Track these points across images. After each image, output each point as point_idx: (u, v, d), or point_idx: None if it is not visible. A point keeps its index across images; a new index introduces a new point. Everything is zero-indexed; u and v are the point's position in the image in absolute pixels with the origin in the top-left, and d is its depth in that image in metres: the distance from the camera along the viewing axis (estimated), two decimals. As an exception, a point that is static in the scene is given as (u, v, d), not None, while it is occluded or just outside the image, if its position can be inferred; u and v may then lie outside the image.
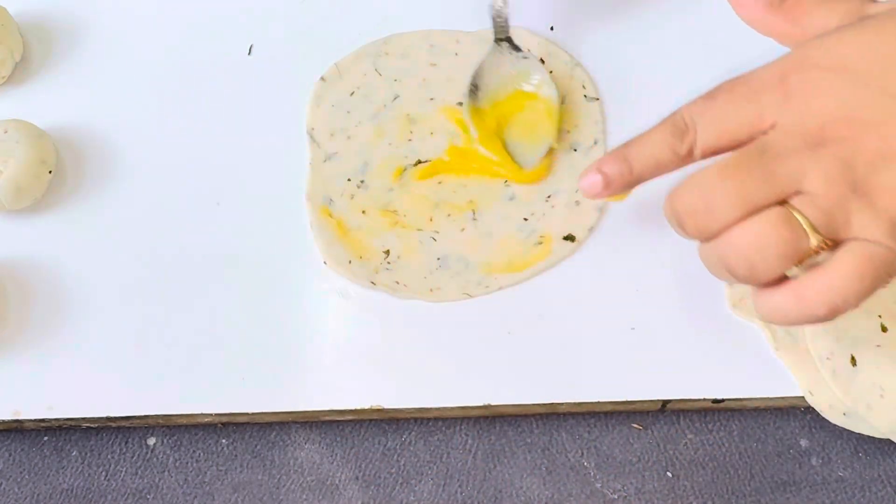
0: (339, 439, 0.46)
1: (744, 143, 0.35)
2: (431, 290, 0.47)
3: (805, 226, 0.33)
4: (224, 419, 0.46)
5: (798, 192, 0.33)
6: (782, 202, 0.33)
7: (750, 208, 0.33)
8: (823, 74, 0.34)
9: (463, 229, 0.48)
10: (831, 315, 0.33)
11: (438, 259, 0.47)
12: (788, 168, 0.33)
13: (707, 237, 0.35)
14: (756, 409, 0.46)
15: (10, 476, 0.46)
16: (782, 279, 0.35)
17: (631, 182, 0.39)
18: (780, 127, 0.34)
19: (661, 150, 0.37)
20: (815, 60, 0.35)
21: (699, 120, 0.36)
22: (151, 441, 0.47)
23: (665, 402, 0.45)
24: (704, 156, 0.37)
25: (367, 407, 0.45)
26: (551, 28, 0.52)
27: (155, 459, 0.46)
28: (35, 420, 0.46)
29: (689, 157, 0.37)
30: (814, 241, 0.33)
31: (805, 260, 0.34)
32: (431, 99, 0.50)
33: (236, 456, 0.46)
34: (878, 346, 0.43)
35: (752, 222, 0.33)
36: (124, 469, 0.46)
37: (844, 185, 0.33)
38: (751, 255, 0.33)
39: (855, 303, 0.33)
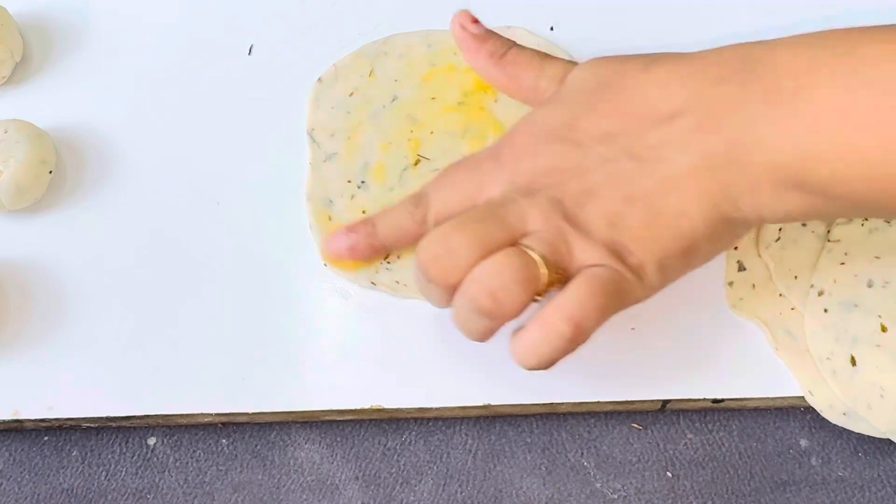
0: (339, 439, 0.46)
1: (468, 208, 0.40)
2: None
3: (535, 256, 0.37)
4: (224, 419, 0.46)
5: (525, 234, 0.38)
6: (514, 244, 0.38)
7: (486, 249, 0.37)
8: (526, 140, 0.40)
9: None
10: (576, 332, 0.36)
11: (438, 259, 0.47)
12: (512, 213, 0.38)
13: (451, 281, 0.38)
14: (756, 409, 0.46)
15: (10, 476, 0.46)
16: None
17: (375, 246, 0.45)
18: (500, 188, 0.40)
19: (401, 217, 0.43)
20: (520, 130, 0.41)
21: (432, 191, 0.42)
22: (151, 441, 0.47)
23: (665, 402, 0.45)
24: (436, 221, 0.42)
25: (367, 407, 0.45)
26: (551, 28, 0.52)
27: (155, 459, 0.46)
28: (35, 420, 0.46)
29: (424, 224, 0.42)
30: (544, 270, 0.37)
31: (542, 293, 0.37)
32: (432, 99, 0.50)
33: (236, 456, 0.46)
34: (878, 346, 0.43)
35: (490, 259, 0.37)
36: (124, 469, 0.46)
37: (560, 218, 0.38)
38: (492, 285, 0.37)
39: (595, 318, 0.37)
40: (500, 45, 0.44)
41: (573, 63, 0.43)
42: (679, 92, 0.38)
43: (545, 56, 0.44)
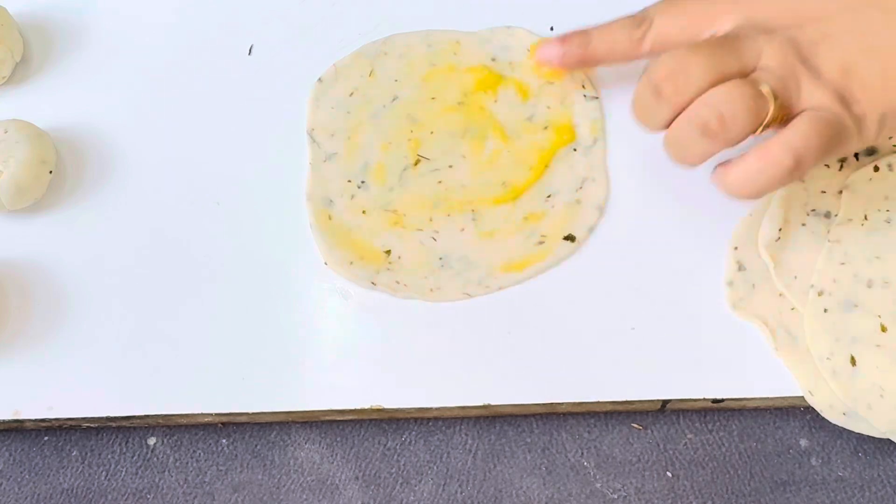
0: (339, 439, 0.46)
1: (693, 38, 0.41)
2: (431, 290, 0.47)
3: (766, 90, 0.38)
4: (224, 419, 0.46)
5: (758, 67, 0.39)
6: (745, 76, 0.39)
7: (720, 75, 0.39)
8: None
9: (463, 229, 0.48)
10: (796, 165, 0.38)
11: (439, 259, 0.47)
12: (748, 46, 0.39)
13: (681, 98, 0.39)
14: (756, 409, 0.46)
15: (10, 476, 0.46)
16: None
17: (585, 58, 0.46)
18: (733, 22, 0.41)
19: (618, 34, 0.44)
20: None
21: (657, 14, 0.43)
22: (151, 441, 0.47)
23: (665, 402, 0.45)
24: (654, 46, 0.43)
25: (367, 407, 0.45)
26: (551, 28, 0.52)
27: (155, 459, 0.46)
28: (35, 420, 0.46)
29: (640, 45, 0.43)
30: (772, 103, 0.38)
31: (765, 127, 0.39)
32: (432, 99, 0.50)
33: (236, 456, 0.46)
34: (878, 346, 0.43)
35: (723, 84, 0.38)
36: (124, 469, 0.46)
37: (794, 58, 0.39)
38: (722, 108, 0.38)
39: (814, 153, 0.38)
40: None
41: None
42: None
43: None
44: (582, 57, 0.46)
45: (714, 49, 0.39)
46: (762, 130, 0.39)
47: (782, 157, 0.38)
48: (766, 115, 0.38)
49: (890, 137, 0.46)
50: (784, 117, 0.39)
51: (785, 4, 0.40)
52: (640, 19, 0.44)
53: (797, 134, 0.38)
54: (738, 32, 0.40)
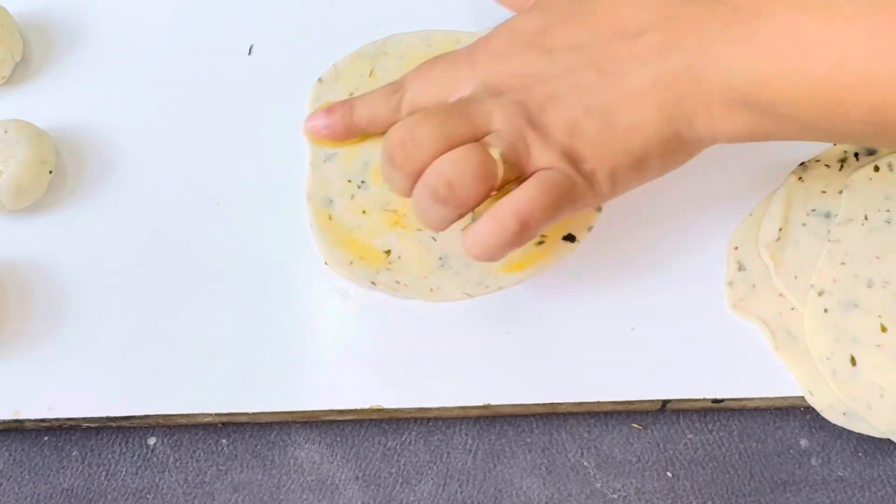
0: (339, 439, 0.46)
1: (440, 103, 0.43)
2: (431, 290, 0.47)
3: (494, 153, 0.39)
4: (224, 419, 0.46)
5: (488, 133, 0.40)
6: (476, 140, 0.39)
7: (450, 142, 0.39)
8: (501, 44, 0.43)
9: (463, 229, 0.48)
10: (522, 228, 0.39)
11: (439, 259, 0.47)
12: (478, 110, 0.40)
13: (414, 167, 0.40)
14: (756, 409, 0.46)
15: (10, 476, 0.46)
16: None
17: (350, 127, 0.47)
18: (471, 87, 0.42)
19: (378, 103, 0.46)
20: (498, 34, 0.43)
21: (410, 82, 0.45)
22: (151, 441, 0.47)
23: (665, 402, 0.45)
24: (409, 111, 0.44)
25: (367, 407, 0.45)
26: (551, 28, 0.52)
27: (155, 459, 0.46)
28: (35, 420, 0.46)
29: (397, 111, 0.45)
30: (501, 167, 0.39)
31: (498, 189, 0.39)
32: (431, 99, 0.50)
33: (236, 456, 0.46)
34: (878, 346, 0.43)
35: (452, 151, 0.39)
36: (124, 469, 0.46)
37: (522, 120, 0.40)
38: (450, 175, 0.39)
39: (543, 216, 0.39)
40: None
41: None
42: (649, 10, 0.40)
43: None
44: (346, 127, 0.47)
45: (443, 115, 0.40)
46: (498, 192, 0.40)
47: (508, 221, 0.38)
48: (497, 178, 0.39)
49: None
50: (518, 178, 0.39)
51: (514, 68, 0.41)
52: (396, 87, 0.45)
53: (522, 197, 0.39)
54: (471, 97, 0.41)
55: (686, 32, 0.38)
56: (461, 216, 0.40)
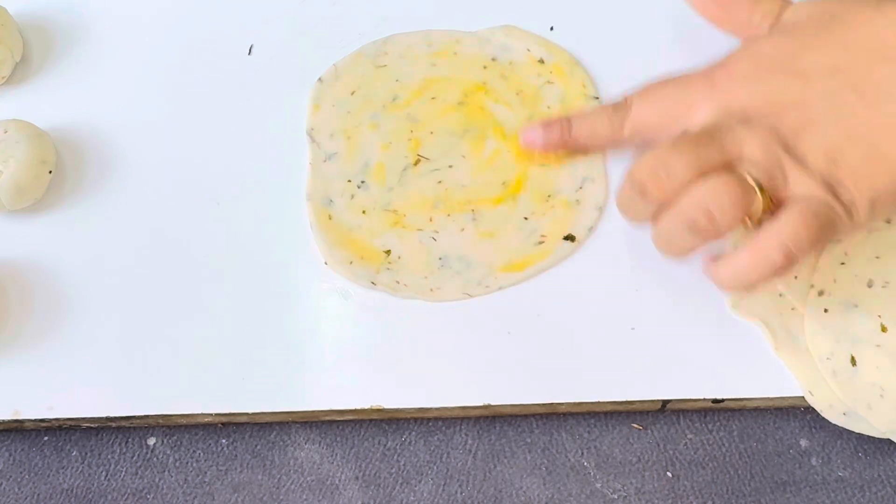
0: (339, 439, 0.46)
1: (670, 125, 0.42)
2: (431, 290, 0.47)
3: (752, 182, 0.38)
4: (224, 419, 0.46)
5: (740, 159, 0.39)
6: (729, 167, 0.38)
7: (703, 169, 0.38)
8: (745, 67, 0.41)
9: (463, 229, 0.48)
10: (787, 261, 0.37)
11: (439, 259, 0.47)
12: (729, 138, 0.39)
13: (666, 196, 0.39)
14: (756, 409, 0.46)
15: (10, 476, 0.46)
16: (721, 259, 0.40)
17: (567, 142, 0.46)
18: (710, 111, 0.40)
19: (598, 120, 0.45)
20: (738, 58, 0.42)
21: (635, 101, 0.44)
22: (151, 441, 0.47)
23: (665, 402, 0.45)
24: (633, 131, 0.44)
25: (367, 407, 0.45)
26: (551, 28, 0.52)
27: (155, 459, 0.46)
28: (35, 420, 0.46)
29: (620, 130, 0.44)
30: (760, 196, 0.38)
31: (754, 219, 0.39)
32: (433, 98, 0.50)
33: (236, 456, 0.46)
34: (878, 346, 0.43)
35: (708, 178, 0.38)
36: (124, 469, 0.46)
37: (778, 148, 0.38)
38: (710, 204, 0.38)
39: (806, 248, 0.37)
40: None
41: (787, 1, 0.43)
42: None
43: None
44: (563, 143, 0.47)
45: (694, 144, 0.39)
46: (752, 223, 0.39)
47: (774, 255, 0.38)
48: (754, 207, 0.38)
49: (888, 220, 0.46)
50: (775, 207, 0.39)
51: (762, 92, 0.40)
52: (619, 106, 0.44)
53: (787, 230, 0.37)
54: (717, 123, 0.40)
55: None
56: (706, 244, 0.39)
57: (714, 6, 0.45)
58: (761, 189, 0.38)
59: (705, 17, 0.46)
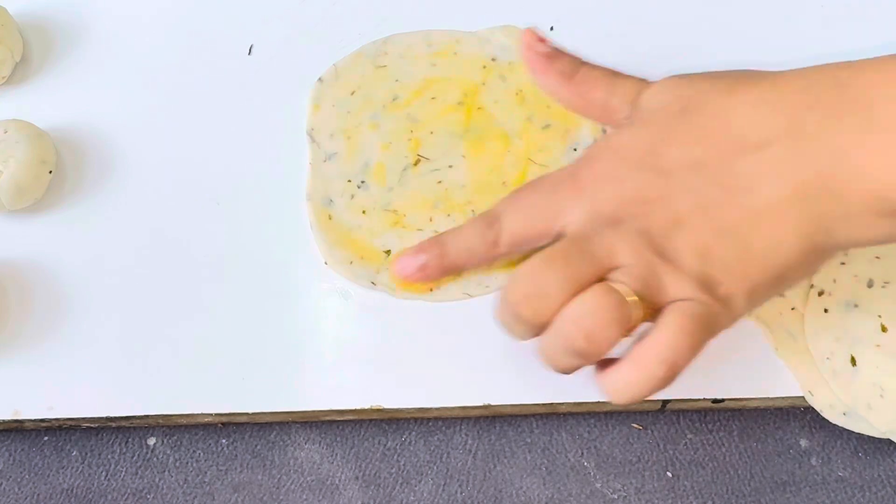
0: (339, 439, 0.46)
1: (543, 233, 0.40)
2: (431, 289, 0.47)
3: (629, 294, 0.36)
4: (224, 419, 0.46)
5: (612, 268, 0.37)
6: (602, 279, 0.37)
7: (577, 286, 0.37)
8: (608, 166, 0.39)
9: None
10: (671, 373, 0.36)
11: (438, 259, 0.47)
12: (600, 246, 0.37)
13: (542, 320, 0.37)
14: (756, 409, 0.46)
15: (10, 476, 0.46)
16: (611, 363, 0.37)
17: (445, 267, 0.44)
18: (580, 215, 0.39)
19: (472, 238, 0.43)
20: (600, 155, 0.40)
21: (505, 212, 0.42)
22: (151, 441, 0.47)
23: (665, 402, 0.45)
24: (509, 244, 0.42)
25: (367, 407, 0.45)
26: (551, 28, 0.52)
27: (155, 459, 0.46)
28: (35, 420, 0.46)
29: (495, 246, 0.42)
30: (638, 307, 0.36)
31: (633, 329, 0.37)
32: (433, 98, 0.50)
33: (236, 456, 0.46)
34: (878, 346, 0.43)
35: (583, 296, 0.36)
36: (124, 469, 0.46)
37: (650, 252, 0.37)
38: (587, 326, 0.36)
39: (689, 356, 0.36)
40: (569, 64, 0.43)
41: (644, 81, 0.42)
42: (767, 119, 0.37)
43: (616, 74, 0.43)
44: (441, 267, 0.44)
45: (565, 259, 0.37)
46: (632, 331, 0.37)
47: (656, 370, 0.36)
48: (631, 320, 0.36)
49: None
50: (652, 314, 0.37)
51: (629, 192, 0.38)
52: (490, 220, 0.42)
53: (666, 340, 0.36)
54: (587, 231, 0.38)
55: (814, 141, 0.36)
56: (591, 363, 0.38)
57: (573, 96, 0.43)
58: (636, 298, 0.36)
59: (562, 104, 0.44)
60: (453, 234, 0.44)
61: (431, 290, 0.46)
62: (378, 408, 0.45)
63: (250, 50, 0.53)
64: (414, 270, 0.45)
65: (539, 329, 0.38)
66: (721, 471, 0.45)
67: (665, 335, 0.36)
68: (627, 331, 0.37)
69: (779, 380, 0.44)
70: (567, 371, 0.39)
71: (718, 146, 0.38)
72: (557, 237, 0.40)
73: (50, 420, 0.46)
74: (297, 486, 0.45)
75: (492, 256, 0.43)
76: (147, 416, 0.45)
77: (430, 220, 0.48)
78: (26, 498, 0.46)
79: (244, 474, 0.46)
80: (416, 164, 0.49)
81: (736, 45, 0.50)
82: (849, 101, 0.36)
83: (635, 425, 0.46)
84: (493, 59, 0.51)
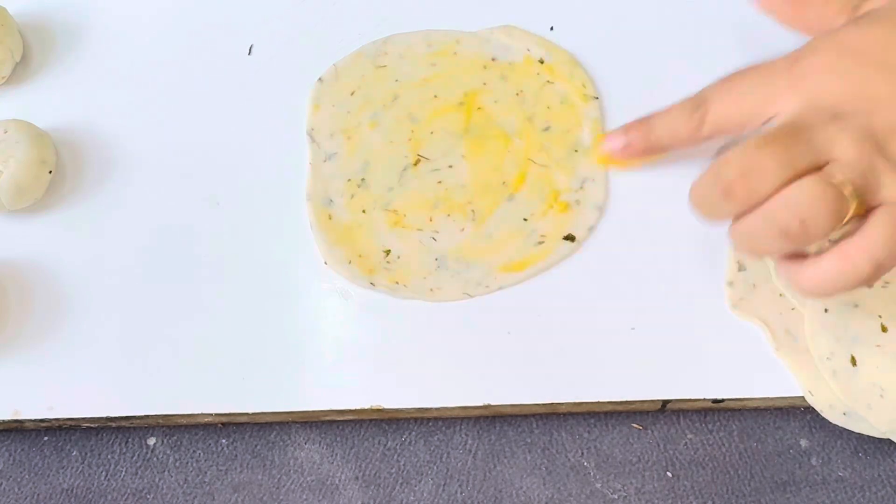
0: (339, 439, 0.46)
1: (752, 118, 0.39)
2: (431, 290, 0.47)
3: (847, 191, 0.36)
4: (224, 419, 0.46)
5: (829, 160, 0.36)
6: (819, 169, 0.36)
7: (794, 172, 0.36)
8: (830, 57, 0.38)
9: (463, 229, 0.48)
10: (875, 272, 0.36)
11: (438, 259, 0.47)
12: (820, 136, 0.36)
13: (755, 200, 0.36)
14: (756, 409, 0.46)
15: (10, 476, 0.46)
16: (805, 257, 0.37)
17: (649, 147, 0.44)
18: (795, 105, 0.38)
19: (677, 118, 0.42)
20: (823, 48, 0.39)
21: (714, 97, 0.41)
22: (151, 441, 0.47)
23: (665, 402, 0.45)
24: (713, 127, 0.41)
25: (367, 407, 0.45)
26: (551, 28, 0.52)
27: (155, 459, 0.46)
28: (35, 420, 0.46)
29: (700, 128, 0.41)
30: (853, 202, 0.36)
31: (843, 224, 0.36)
32: (433, 98, 0.50)
33: (236, 456, 0.46)
34: (878, 346, 0.43)
35: (801, 183, 0.36)
36: (124, 469, 0.46)
37: (872, 149, 0.36)
38: (804, 212, 0.35)
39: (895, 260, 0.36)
40: None
41: None
42: None
43: None
44: (646, 145, 0.45)
45: (785, 144, 0.36)
46: (841, 227, 0.37)
47: (862, 265, 0.35)
48: (847, 215, 0.36)
49: None
50: (864, 212, 0.37)
51: (854, 87, 0.37)
52: (697, 103, 0.42)
53: (878, 239, 0.35)
54: (807, 120, 0.37)
55: None
56: (798, 248, 0.38)
57: (785, 3, 0.42)
58: (854, 195, 0.36)
59: (773, 17, 0.43)
60: (660, 114, 0.44)
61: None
62: (378, 408, 0.45)
63: (250, 50, 0.53)
64: (620, 146, 0.45)
65: (746, 209, 0.37)
66: (721, 471, 0.45)
67: (877, 233, 0.35)
68: (839, 224, 0.36)
69: (779, 380, 0.44)
70: (764, 254, 0.38)
71: None
72: (763, 125, 0.39)
73: (50, 420, 0.46)
74: (297, 486, 0.45)
75: (695, 139, 0.42)
76: (147, 416, 0.45)
77: (430, 219, 0.48)
78: (26, 498, 0.46)
79: (244, 474, 0.46)
80: (416, 163, 0.49)
81: (736, 44, 0.50)
82: None
83: (635, 425, 0.46)
84: (494, 59, 0.51)
